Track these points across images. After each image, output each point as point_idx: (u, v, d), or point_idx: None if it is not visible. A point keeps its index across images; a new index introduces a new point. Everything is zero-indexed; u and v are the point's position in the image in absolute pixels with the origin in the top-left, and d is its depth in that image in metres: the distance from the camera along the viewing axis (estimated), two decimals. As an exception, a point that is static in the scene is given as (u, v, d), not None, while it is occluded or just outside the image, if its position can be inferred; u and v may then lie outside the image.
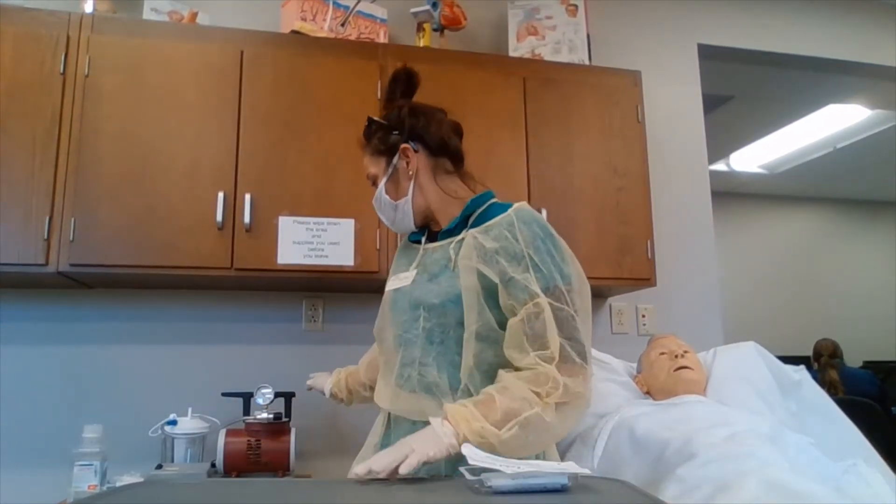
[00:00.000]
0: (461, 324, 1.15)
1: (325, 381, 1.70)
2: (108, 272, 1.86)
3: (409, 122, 1.26)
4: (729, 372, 1.64)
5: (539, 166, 2.23)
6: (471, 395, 1.13)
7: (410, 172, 1.25)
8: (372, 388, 1.53)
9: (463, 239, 1.19)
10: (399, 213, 1.27)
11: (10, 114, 1.82)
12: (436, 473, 1.06)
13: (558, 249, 1.15)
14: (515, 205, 1.20)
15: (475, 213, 1.22)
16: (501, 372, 1.10)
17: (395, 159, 1.25)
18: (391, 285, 1.32)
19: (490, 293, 1.14)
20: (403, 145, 1.25)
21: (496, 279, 1.12)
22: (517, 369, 1.11)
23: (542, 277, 1.10)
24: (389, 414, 1.28)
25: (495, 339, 1.13)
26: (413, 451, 0.92)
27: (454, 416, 0.99)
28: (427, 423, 1.14)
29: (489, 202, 1.25)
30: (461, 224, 1.23)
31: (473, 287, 1.14)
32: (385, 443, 1.26)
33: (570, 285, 1.12)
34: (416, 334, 1.19)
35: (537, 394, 1.04)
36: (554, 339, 1.07)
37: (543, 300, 1.08)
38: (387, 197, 1.27)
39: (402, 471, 0.88)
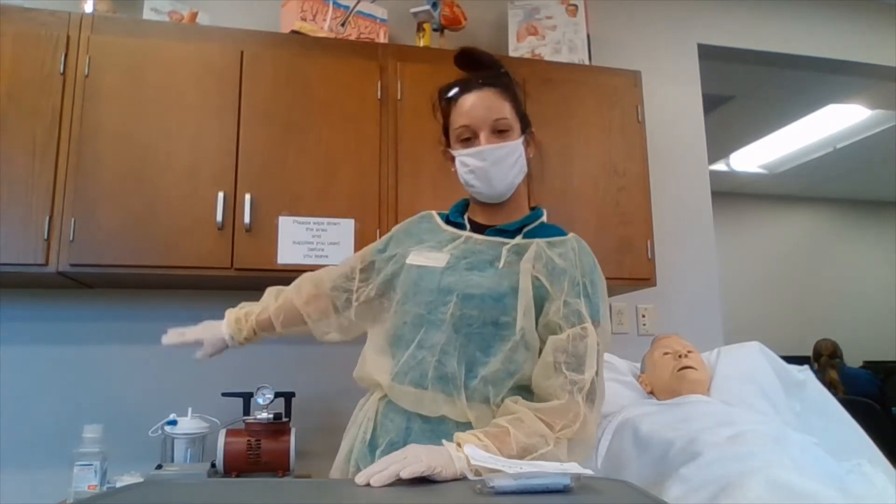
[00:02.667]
0: (493, 323, 1.13)
1: (216, 331, 1.41)
2: (108, 272, 1.85)
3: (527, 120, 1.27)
4: (733, 372, 1.64)
5: (539, 166, 2.22)
6: (486, 395, 1.11)
7: (530, 155, 1.25)
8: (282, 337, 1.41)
9: (517, 244, 1.19)
10: (517, 176, 1.22)
11: (10, 114, 1.82)
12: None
13: (603, 287, 1.19)
14: (570, 234, 1.23)
15: (531, 225, 1.24)
16: (509, 402, 1.08)
17: (527, 133, 1.24)
18: (414, 260, 1.24)
19: (536, 304, 1.14)
20: (533, 131, 1.25)
21: (556, 296, 1.13)
22: (538, 390, 1.10)
23: (591, 308, 1.13)
24: (377, 409, 1.21)
25: (534, 347, 1.14)
26: (421, 461, 0.89)
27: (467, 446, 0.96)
28: (421, 415, 1.13)
29: (541, 219, 1.28)
30: (516, 230, 1.23)
31: (528, 291, 1.13)
32: (372, 440, 1.19)
33: (604, 324, 1.15)
34: (441, 318, 1.15)
35: (550, 426, 1.03)
36: (591, 366, 1.08)
37: (591, 328, 1.11)
38: (523, 158, 1.22)
39: (404, 475, 0.87)
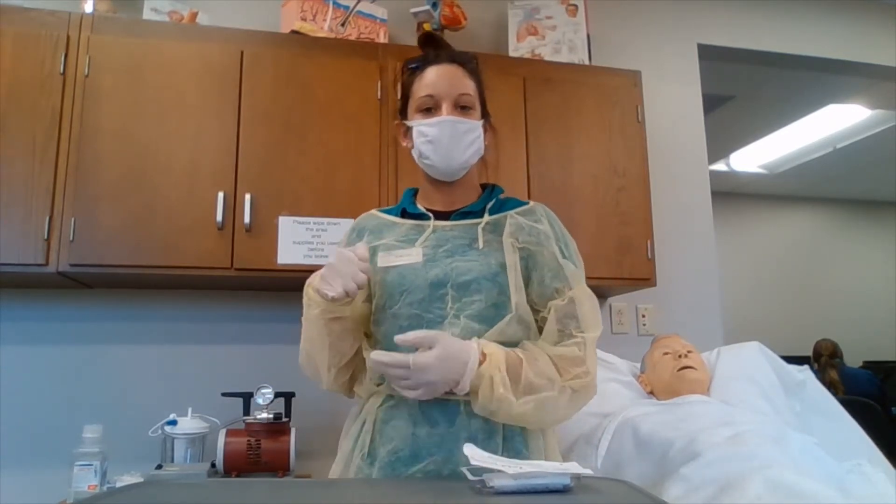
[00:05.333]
0: (493, 305, 1.12)
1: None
2: (108, 272, 1.85)
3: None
4: (733, 372, 1.64)
5: (539, 166, 2.23)
6: None
7: (487, 142, 1.22)
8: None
9: (491, 222, 1.18)
10: (472, 157, 1.18)
11: (10, 114, 1.82)
12: (437, 474, 1.05)
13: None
14: (531, 202, 1.24)
15: (493, 201, 1.22)
16: (529, 344, 1.10)
17: (486, 121, 1.22)
18: (385, 262, 1.16)
19: (523, 276, 1.15)
20: (492, 121, 1.24)
21: (549, 260, 1.15)
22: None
23: (578, 268, 1.18)
24: (376, 418, 1.15)
25: (528, 321, 1.14)
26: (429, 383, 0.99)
27: (491, 359, 1.02)
28: (428, 422, 1.10)
29: (501, 193, 1.27)
30: (481, 210, 1.21)
31: (515, 265, 1.14)
32: (371, 450, 1.13)
33: (585, 283, 1.18)
34: (440, 314, 1.11)
35: (561, 373, 1.06)
36: (597, 325, 1.12)
37: (587, 288, 1.15)
38: (481, 140, 1.18)
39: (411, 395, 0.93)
